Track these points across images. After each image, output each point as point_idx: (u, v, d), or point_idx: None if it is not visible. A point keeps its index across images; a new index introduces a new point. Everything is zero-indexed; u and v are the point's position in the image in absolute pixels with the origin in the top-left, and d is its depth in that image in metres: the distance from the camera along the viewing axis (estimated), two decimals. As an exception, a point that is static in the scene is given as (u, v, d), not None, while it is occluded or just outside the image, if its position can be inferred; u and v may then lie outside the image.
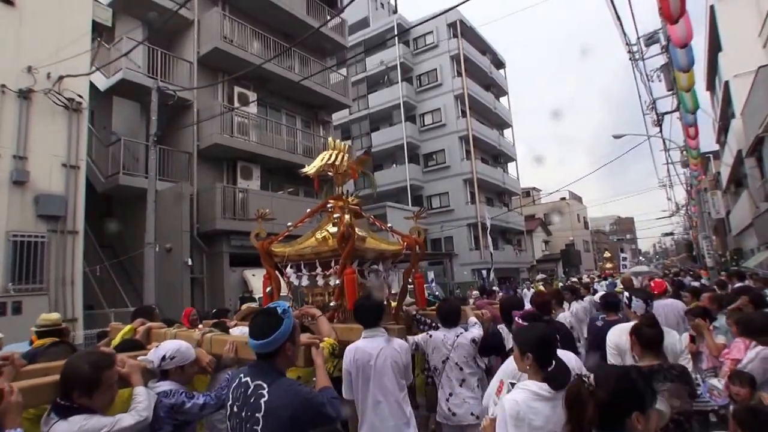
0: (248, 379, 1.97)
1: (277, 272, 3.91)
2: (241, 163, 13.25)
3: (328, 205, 3.95)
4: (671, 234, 47.06)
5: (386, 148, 27.29)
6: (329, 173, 3.95)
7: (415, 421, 3.01)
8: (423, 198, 27.77)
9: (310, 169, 3.87)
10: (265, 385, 1.91)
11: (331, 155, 3.83)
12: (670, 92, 15.26)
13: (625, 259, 38.80)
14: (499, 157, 32.31)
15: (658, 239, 73.52)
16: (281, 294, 3.99)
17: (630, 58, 13.69)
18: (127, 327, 3.57)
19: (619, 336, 3.24)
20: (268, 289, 3.87)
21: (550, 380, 2.07)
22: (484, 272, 25.67)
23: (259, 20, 14.49)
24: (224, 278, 11.77)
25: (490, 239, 25.27)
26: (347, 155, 3.93)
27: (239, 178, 13.09)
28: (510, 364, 2.52)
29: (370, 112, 28.20)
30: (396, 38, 27.98)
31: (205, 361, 2.70)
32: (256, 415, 1.87)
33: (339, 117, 28.09)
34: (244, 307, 5.24)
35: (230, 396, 2.03)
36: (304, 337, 2.45)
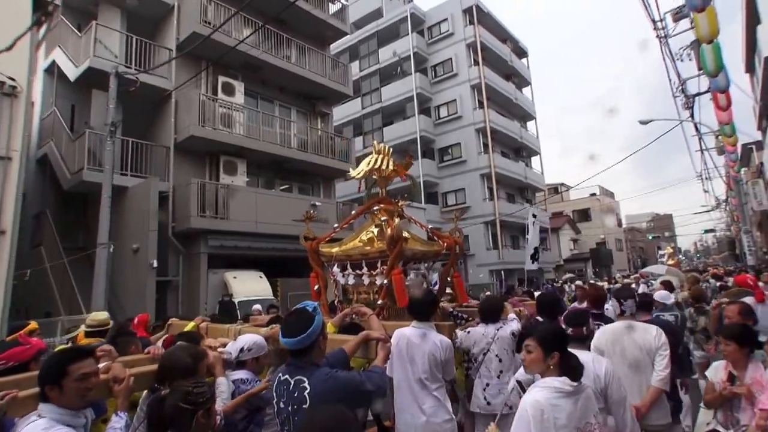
0: (287, 376, 2.08)
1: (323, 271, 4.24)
2: (225, 157, 12.32)
3: (375, 208, 4.15)
4: (713, 231, 43.78)
5: (399, 142, 25.92)
6: (373, 176, 4.22)
7: (452, 413, 3.13)
8: (438, 195, 26.42)
9: (356, 172, 4.17)
10: (305, 379, 2.01)
11: (376, 159, 4.09)
12: (701, 71, 13.64)
13: (662, 257, 36.40)
14: (521, 151, 30.41)
15: (699, 237, 69.26)
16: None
17: (657, 36, 12.25)
18: (191, 323, 3.93)
19: (599, 339, 3.03)
20: (315, 287, 4.23)
21: (569, 373, 2.00)
22: (503, 273, 24.21)
23: (250, 6, 13.55)
24: (201, 281, 10.85)
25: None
26: (390, 158, 4.17)
27: (222, 174, 12.17)
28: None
29: (382, 105, 26.99)
30: (409, 27, 26.70)
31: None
32: (303, 406, 1.98)
33: (350, 112, 27.12)
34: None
35: (274, 394, 2.15)
36: (376, 333, 2.78)
